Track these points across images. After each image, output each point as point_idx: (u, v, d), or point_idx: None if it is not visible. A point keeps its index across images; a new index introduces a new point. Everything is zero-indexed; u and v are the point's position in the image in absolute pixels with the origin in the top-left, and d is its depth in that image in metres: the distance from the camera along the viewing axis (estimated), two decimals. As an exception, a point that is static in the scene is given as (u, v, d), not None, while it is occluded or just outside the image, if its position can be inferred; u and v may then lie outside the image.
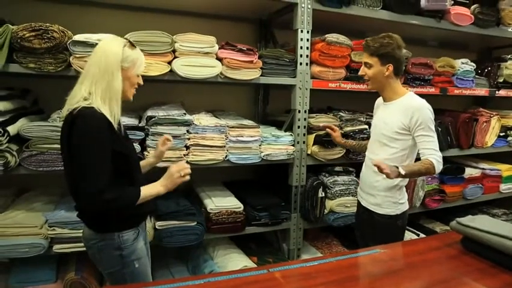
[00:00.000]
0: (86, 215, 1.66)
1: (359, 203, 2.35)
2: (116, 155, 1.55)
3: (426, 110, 2.06)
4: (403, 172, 1.93)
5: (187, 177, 1.71)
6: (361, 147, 2.53)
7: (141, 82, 1.70)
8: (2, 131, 1.91)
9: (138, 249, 1.68)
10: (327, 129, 2.62)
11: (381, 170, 1.89)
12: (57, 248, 2.11)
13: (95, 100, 1.51)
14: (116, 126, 1.56)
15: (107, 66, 1.54)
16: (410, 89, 2.94)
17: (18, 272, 2.19)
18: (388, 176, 1.90)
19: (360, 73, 2.22)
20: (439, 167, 2.02)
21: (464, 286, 1.41)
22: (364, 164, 2.34)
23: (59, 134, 1.60)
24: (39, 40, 1.93)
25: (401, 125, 2.07)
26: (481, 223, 1.56)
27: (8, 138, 1.93)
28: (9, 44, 1.92)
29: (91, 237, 1.63)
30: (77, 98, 1.52)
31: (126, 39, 1.66)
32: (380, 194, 2.18)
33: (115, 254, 1.62)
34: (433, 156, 2.01)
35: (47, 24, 1.94)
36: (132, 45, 1.63)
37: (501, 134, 3.50)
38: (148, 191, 1.63)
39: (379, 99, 2.33)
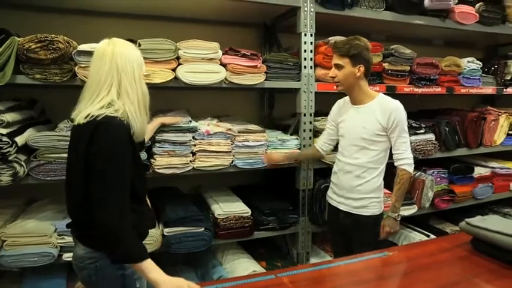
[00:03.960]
0: (84, 231, 1.49)
1: (335, 209, 2.31)
2: (132, 169, 1.45)
3: (402, 111, 2.13)
4: (398, 213, 2.18)
5: None
6: (304, 156, 2.62)
7: None
8: (10, 142, 1.92)
9: None
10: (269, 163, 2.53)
11: (388, 234, 2.19)
12: (67, 256, 2.10)
13: (126, 109, 1.42)
14: (140, 138, 1.49)
15: (134, 72, 1.47)
16: (416, 89, 2.98)
17: (29, 282, 2.20)
18: (396, 230, 2.21)
19: (330, 75, 2.23)
20: (412, 167, 2.17)
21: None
22: (337, 168, 2.31)
23: (66, 143, 1.53)
24: (44, 51, 1.95)
25: (380, 126, 2.11)
26: (491, 223, 1.55)
27: (16, 148, 1.95)
28: (16, 55, 1.94)
29: (87, 256, 1.47)
30: (101, 104, 1.41)
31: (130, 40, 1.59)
32: (365, 196, 2.19)
33: (116, 274, 1.48)
34: (405, 160, 2.14)
35: (52, 35, 1.96)
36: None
37: (510, 132, 3.44)
38: (149, 267, 1.38)
39: (342, 101, 2.35)
